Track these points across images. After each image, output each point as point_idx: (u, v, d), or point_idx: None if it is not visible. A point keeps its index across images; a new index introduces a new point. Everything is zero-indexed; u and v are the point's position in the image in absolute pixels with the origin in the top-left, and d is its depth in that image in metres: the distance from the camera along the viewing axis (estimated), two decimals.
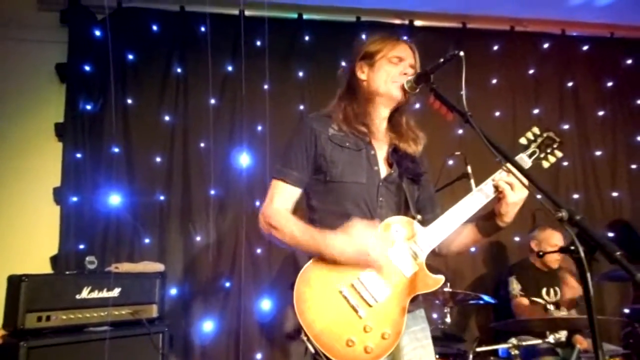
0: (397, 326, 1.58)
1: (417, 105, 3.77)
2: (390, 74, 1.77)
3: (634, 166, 4.49)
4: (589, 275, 1.02)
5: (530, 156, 1.75)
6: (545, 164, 1.77)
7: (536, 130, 1.78)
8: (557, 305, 3.50)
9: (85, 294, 2.74)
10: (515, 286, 3.59)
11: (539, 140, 1.77)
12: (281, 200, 1.73)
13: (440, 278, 1.65)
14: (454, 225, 1.67)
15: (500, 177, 1.64)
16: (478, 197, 1.68)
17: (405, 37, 4.32)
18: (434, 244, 1.66)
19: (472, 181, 2.71)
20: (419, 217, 1.72)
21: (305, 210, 1.83)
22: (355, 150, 1.75)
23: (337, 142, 1.74)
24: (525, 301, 3.51)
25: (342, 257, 1.56)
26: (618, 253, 1.00)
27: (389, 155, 1.80)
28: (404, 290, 1.62)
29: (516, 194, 1.61)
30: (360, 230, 1.55)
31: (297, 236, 1.63)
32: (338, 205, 1.70)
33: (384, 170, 1.78)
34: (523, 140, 1.77)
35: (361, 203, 1.70)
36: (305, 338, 1.52)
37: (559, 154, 1.78)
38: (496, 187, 1.65)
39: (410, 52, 1.84)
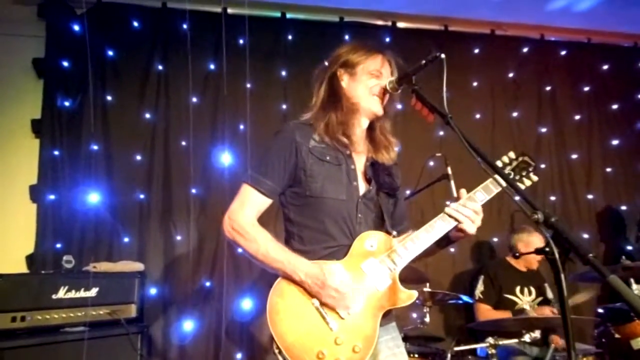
0: (369, 340, 1.58)
1: (400, 106, 3.81)
2: (369, 86, 1.79)
3: (608, 169, 4.61)
4: (562, 276, 1.05)
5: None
6: (521, 187, 1.81)
7: (512, 154, 1.82)
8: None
9: (61, 293, 2.70)
10: (479, 287, 3.65)
11: (514, 163, 1.81)
12: (252, 209, 1.71)
13: (413, 293, 1.66)
14: (424, 244, 1.67)
15: (458, 210, 1.65)
16: (444, 224, 1.68)
17: (387, 39, 4.34)
18: (408, 259, 1.66)
19: (452, 182, 2.76)
20: (394, 232, 1.74)
21: (282, 221, 1.82)
22: (335, 165, 1.75)
23: (318, 156, 1.73)
24: (484, 307, 3.58)
25: (314, 292, 1.57)
26: (591, 255, 1.03)
27: (366, 169, 1.81)
28: (377, 303, 1.62)
29: (474, 225, 1.65)
30: (337, 278, 1.55)
31: (271, 254, 1.62)
32: (317, 220, 1.70)
33: (362, 186, 1.78)
34: (499, 163, 1.79)
35: (340, 220, 1.70)
36: (277, 350, 1.52)
37: (534, 177, 1.82)
38: (455, 219, 1.66)
39: (389, 67, 1.86)
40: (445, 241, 1.74)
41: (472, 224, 1.65)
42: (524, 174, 1.81)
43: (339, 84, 1.83)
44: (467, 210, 1.65)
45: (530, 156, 1.83)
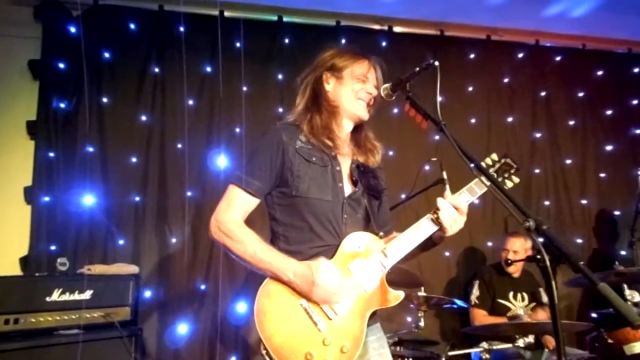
0: (357, 340, 1.59)
1: (395, 111, 3.81)
2: (355, 90, 1.82)
3: (602, 175, 4.64)
4: (554, 283, 1.06)
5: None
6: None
7: (495, 156, 1.85)
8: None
9: (56, 296, 2.69)
10: (475, 292, 3.67)
11: (497, 165, 1.84)
12: (239, 209, 1.71)
13: (400, 294, 1.68)
14: (411, 245, 1.69)
15: (443, 209, 1.66)
16: (430, 224, 1.71)
17: (384, 43, 4.33)
18: (395, 260, 1.68)
19: (448, 187, 2.77)
20: (381, 233, 1.75)
21: (268, 221, 1.82)
22: (321, 166, 1.76)
23: (304, 156, 1.74)
24: (480, 312, 3.60)
25: (303, 292, 1.58)
26: (581, 262, 1.04)
27: (352, 171, 1.83)
28: (364, 304, 1.64)
29: (456, 227, 1.68)
30: (325, 274, 1.55)
31: (259, 255, 1.61)
32: (303, 220, 1.71)
33: (347, 187, 1.79)
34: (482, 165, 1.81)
35: (326, 220, 1.71)
36: (264, 352, 1.52)
37: (516, 179, 1.85)
38: (438, 220, 1.68)
39: (374, 73, 1.88)
40: (429, 244, 1.76)
41: (454, 225, 1.67)
42: (506, 175, 1.85)
43: (322, 87, 1.85)
44: (452, 210, 1.66)
45: (512, 158, 1.86)
